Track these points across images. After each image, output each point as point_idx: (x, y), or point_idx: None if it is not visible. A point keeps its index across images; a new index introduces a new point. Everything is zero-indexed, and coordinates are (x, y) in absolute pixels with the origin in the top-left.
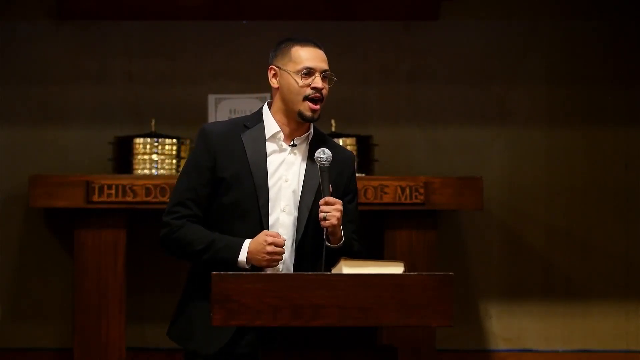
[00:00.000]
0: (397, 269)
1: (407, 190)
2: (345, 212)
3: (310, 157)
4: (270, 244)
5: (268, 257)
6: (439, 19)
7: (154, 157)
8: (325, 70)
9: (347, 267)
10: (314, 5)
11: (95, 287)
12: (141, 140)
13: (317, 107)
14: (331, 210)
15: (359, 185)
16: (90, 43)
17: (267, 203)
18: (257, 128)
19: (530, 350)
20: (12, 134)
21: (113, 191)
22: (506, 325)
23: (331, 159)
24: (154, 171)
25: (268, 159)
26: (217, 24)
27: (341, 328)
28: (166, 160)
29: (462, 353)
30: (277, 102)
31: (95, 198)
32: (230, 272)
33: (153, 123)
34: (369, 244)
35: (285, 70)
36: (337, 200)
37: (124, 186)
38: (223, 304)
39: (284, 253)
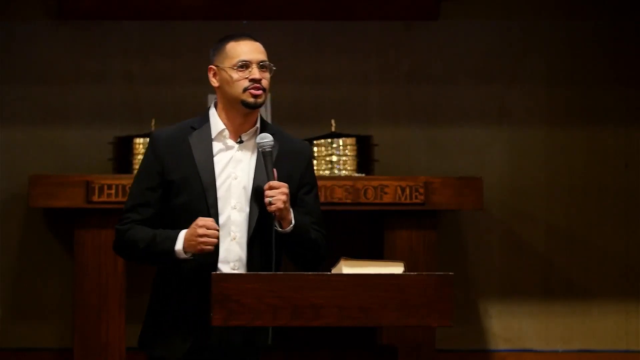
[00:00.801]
0: (397, 269)
1: (407, 190)
2: (302, 204)
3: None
4: (201, 226)
5: (200, 239)
6: (439, 19)
7: None
8: (262, 61)
9: (347, 267)
10: (314, 5)
11: (95, 287)
12: (141, 140)
13: (259, 92)
14: (276, 194)
15: (359, 185)
16: (90, 43)
17: (216, 202)
18: (204, 129)
19: (530, 350)
20: (12, 134)
21: (113, 191)
22: (506, 325)
23: (272, 143)
24: None
25: (215, 158)
26: (217, 24)
27: (341, 328)
28: None
29: (462, 353)
30: (220, 101)
31: (95, 198)
32: (230, 272)
33: (153, 123)
34: (369, 244)
35: (222, 68)
36: (281, 183)
37: (124, 186)
38: (223, 304)
39: (216, 236)
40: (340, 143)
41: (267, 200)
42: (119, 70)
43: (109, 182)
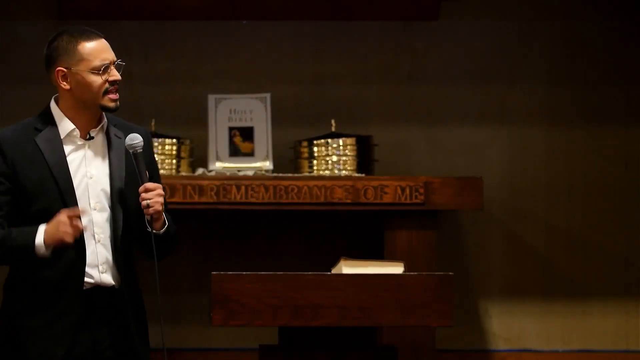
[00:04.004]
0: (397, 269)
1: (407, 190)
2: None
3: (110, 146)
4: (62, 214)
5: (61, 228)
6: (439, 19)
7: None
8: (117, 60)
9: (347, 267)
10: (314, 5)
11: None
12: None
13: (117, 95)
14: (153, 197)
15: (359, 185)
16: None
17: (76, 205)
18: (50, 129)
19: (530, 350)
20: None
21: None
22: (506, 325)
23: (142, 143)
24: None
25: (68, 159)
26: (217, 24)
27: (341, 328)
28: (166, 160)
29: (462, 353)
30: (67, 101)
31: None
32: (230, 272)
33: (153, 123)
34: (369, 244)
35: (77, 71)
36: (156, 185)
37: None
38: (223, 304)
39: (80, 222)
40: (340, 143)
41: (144, 203)
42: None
43: None
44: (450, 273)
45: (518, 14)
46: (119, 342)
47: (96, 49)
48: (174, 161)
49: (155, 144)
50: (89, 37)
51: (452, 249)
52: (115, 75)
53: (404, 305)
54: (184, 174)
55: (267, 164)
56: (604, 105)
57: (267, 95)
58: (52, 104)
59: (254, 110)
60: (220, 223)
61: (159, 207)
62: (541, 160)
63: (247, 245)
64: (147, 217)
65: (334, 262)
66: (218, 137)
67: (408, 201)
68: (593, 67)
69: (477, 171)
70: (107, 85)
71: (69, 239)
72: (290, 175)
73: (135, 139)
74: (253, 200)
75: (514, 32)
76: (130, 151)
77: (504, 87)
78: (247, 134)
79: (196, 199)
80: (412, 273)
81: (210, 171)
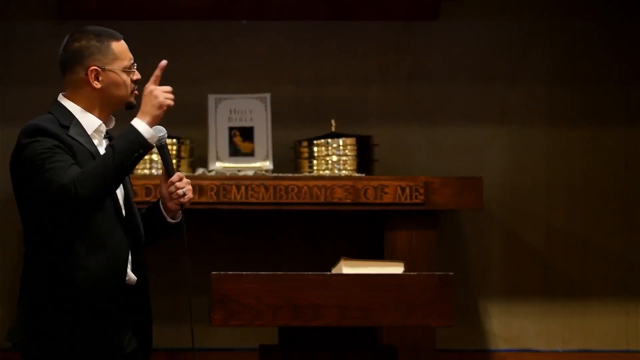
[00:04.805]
0: (397, 269)
1: (407, 190)
2: None
3: (108, 140)
4: (147, 88)
5: (159, 93)
6: (439, 19)
7: (154, 157)
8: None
9: (347, 267)
10: (314, 5)
11: None
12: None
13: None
14: (185, 185)
15: (359, 185)
16: None
17: (116, 196)
18: (75, 125)
19: (530, 350)
20: (12, 134)
21: None
22: (506, 325)
23: (166, 135)
24: (153, 171)
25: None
26: (217, 24)
27: (341, 328)
28: None
29: (462, 353)
30: (91, 99)
31: None
32: (230, 272)
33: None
34: (369, 244)
35: (111, 70)
36: (183, 174)
37: None
38: (223, 304)
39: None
40: (340, 143)
41: (180, 192)
42: None
43: None
44: (450, 273)
45: (518, 14)
46: (138, 337)
47: (125, 49)
48: (174, 161)
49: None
50: (116, 37)
51: (452, 249)
52: (138, 74)
53: (404, 305)
54: (184, 174)
55: (267, 164)
56: (604, 105)
57: (267, 95)
58: (66, 102)
59: (254, 110)
60: (220, 223)
61: (191, 195)
62: (541, 160)
63: (247, 245)
64: (176, 206)
65: (334, 262)
66: (218, 137)
67: (408, 201)
68: (593, 67)
69: (477, 171)
70: (131, 84)
71: (170, 102)
72: (290, 175)
73: (161, 131)
74: (253, 200)
75: (514, 32)
76: (156, 144)
77: (504, 87)
78: (247, 134)
79: (196, 199)
80: (412, 273)
81: (210, 171)
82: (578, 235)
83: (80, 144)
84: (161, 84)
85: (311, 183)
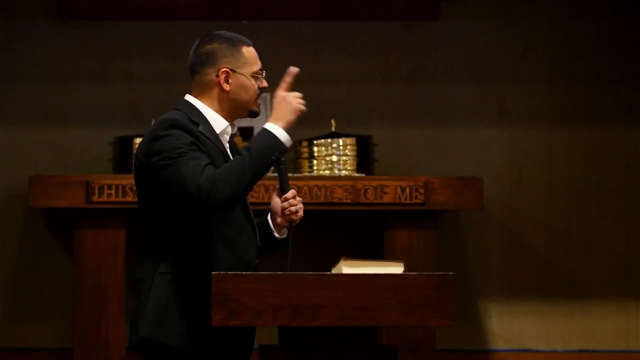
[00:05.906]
0: (397, 269)
1: (407, 190)
2: None
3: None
4: (279, 94)
5: (292, 99)
6: (439, 19)
7: None
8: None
9: (347, 267)
10: (314, 5)
11: (95, 287)
12: (141, 140)
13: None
14: (299, 202)
15: (359, 185)
16: (90, 43)
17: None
18: (204, 124)
19: (530, 350)
20: (12, 134)
21: (113, 191)
22: (506, 325)
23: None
24: None
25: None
26: (217, 24)
27: (341, 328)
28: None
29: (462, 353)
30: (221, 102)
31: (95, 198)
32: (230, 272)
33: (153, 123)
34: (369, 244)
35: (241, 73)
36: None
37: (124, 186)
38: (223, 304)
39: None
40: (340, 143)
41: (293, 209)
42: (119, 70)
43: (109, 182)
44: (450, 273)
45: (518, 14)
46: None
47: (255, 55)
48: None
49: None
50: (247, 42)
51: (452, 249)
52: (265, 83)
53: (404, 305)
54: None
55: None
56: (604, 105)
57: (267, 95)
58: (195, 101)
59: None
60: None
61: (302, 213)
62: (541, 160)
63: None
64: (285, 223)
65: (334, 262)
66: None
67: (408, 201)
68: (593, 67)
69: (477, 171)
70: (257, 91)
71: (303, 107)
72: (290, 175)
73: (289, 140)
74: (253, 200)
75: (514, 32)
76: (282, 158)
77: (504, 87)
78: (247, 134)
79: None
80: (412, 273)
81: None
82: (578, 235)
83: (212, 141)
84: (161, 83)
85: (311, 183)
